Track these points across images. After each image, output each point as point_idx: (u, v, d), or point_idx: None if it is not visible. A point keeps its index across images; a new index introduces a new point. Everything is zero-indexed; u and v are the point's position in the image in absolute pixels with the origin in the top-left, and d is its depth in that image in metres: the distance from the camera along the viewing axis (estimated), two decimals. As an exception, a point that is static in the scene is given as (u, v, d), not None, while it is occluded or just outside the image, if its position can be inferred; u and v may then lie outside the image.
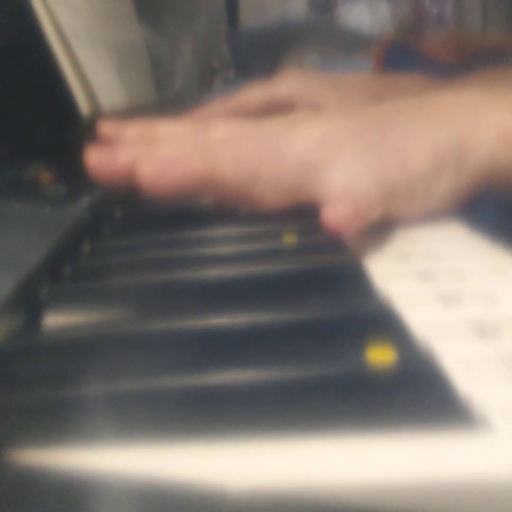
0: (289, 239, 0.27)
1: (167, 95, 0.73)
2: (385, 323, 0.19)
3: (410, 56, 0.81)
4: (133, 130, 0.34)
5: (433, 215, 0.29)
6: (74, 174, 0.30)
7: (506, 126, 0.29)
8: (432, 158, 0.28)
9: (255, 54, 0.98)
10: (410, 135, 0.29)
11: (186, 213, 0.33)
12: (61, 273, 0.25)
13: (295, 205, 0.29)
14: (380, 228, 0.28)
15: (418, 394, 0.15)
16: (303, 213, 0.28)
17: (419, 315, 0.19)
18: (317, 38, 0.98)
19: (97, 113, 0.48)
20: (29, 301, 0.22)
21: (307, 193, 0.28)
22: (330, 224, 0.25)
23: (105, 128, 0.35)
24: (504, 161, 0.29)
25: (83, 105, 0.46)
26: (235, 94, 0.53)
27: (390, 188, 0.28)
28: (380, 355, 0.16)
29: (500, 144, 0.29)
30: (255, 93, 0.52)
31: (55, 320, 0.21)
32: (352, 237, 0.25)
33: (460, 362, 0.16)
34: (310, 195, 0.28)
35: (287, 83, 0.52)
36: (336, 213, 0.25)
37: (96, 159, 0.30)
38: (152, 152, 0.30)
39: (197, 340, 0.18)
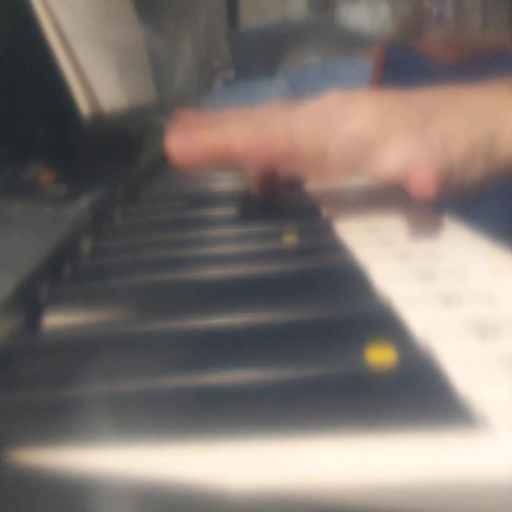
0: (289, 239, 0.27)
1: (167, 95, 0.73)
2: (385, 323, 0.19)
3: (410, 56, 0.81)
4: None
5: (463, 197, 0.32)
6: (74, 174, 0.30)
7: None
8: (468, 147, 0.32)
9: (255, 54, 0.98)
10: (450, 124, 0.33)
11: (186, 214, 0.33)
12: (61, 273, 0.25)
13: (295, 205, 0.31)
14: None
15: (417, 394, 0.15)
16: (303, 213, 0.29)
17: (419, 315, 0.19)
18: (317, 38, 0.98)
19: (97, 114, 0.48)
20: (29, 301, 0.22)
21: (367, 168, 0.32)
22: (419, 188, 0.29)
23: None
24: None
25: (83, 105, 0.46)
26: None
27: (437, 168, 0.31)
28: (380, 355, 0.16)
29: None
30: None
31: (55, 320, 0.21)
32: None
33: (460, 362, 0.16)
34: (369, 169, 0.32)
35: None
36: (423, 178, 0.29)
37: (177, 145, 0.32)
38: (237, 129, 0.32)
39: (197, 340, 0.18)
